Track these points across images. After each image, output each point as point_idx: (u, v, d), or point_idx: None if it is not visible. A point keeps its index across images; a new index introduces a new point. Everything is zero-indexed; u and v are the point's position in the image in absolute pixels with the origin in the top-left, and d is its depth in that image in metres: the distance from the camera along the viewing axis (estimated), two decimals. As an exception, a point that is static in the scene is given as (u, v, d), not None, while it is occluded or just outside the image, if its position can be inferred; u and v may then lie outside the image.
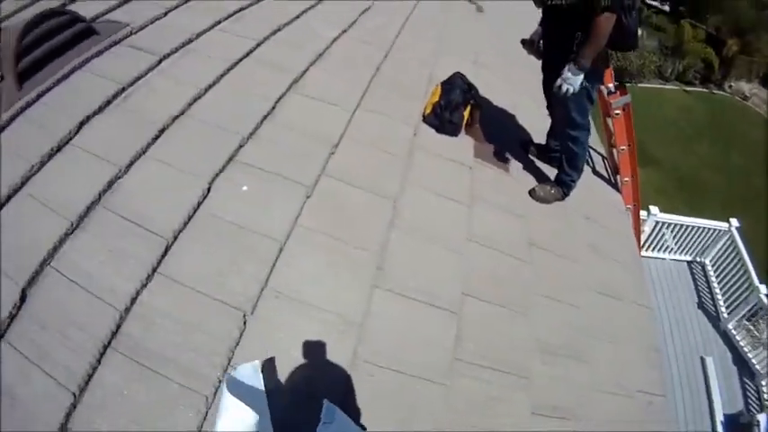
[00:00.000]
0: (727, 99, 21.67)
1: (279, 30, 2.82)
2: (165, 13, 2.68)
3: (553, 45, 2.47)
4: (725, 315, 6.73)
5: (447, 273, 1.93)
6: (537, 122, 3.12)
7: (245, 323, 1.55)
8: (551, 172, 2.77)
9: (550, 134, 2.89)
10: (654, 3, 26.98)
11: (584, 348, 2.02)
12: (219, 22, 2.73)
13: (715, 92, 21.93)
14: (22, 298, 1.47)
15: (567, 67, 2.23)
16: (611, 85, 2.91)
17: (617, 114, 2.96)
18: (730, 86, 22.24)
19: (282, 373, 1.47)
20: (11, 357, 1.35)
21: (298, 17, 3.02)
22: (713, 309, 6.91)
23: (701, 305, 7.02)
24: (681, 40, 20.96)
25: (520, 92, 3.48)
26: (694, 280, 7.36)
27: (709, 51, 20.98)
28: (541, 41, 2.57)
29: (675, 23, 22.39)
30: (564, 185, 2.64)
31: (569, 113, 2.45)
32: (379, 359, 1.60)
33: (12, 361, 1.34)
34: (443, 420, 1.54)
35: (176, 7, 2.75)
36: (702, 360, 6.19)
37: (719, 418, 5.61)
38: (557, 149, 2.74)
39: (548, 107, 2.82)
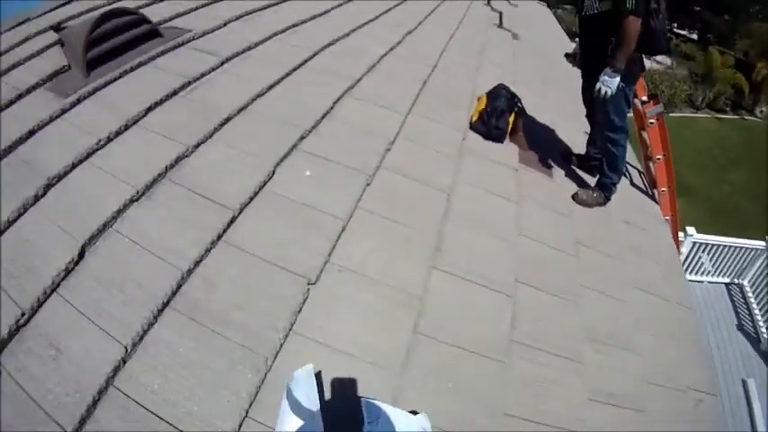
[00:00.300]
0: (759, 125, 21.21)
1: (331, 44, 3.02)
2: (225, 24, 2.88)
3: (589, 53, 2.63)
4: (765, 336, 6.51)
5: (500, 260, 1.96)
6: (575, 137, 3.25)
7: (308, 290, 1.56)
8: (592, 181, 2.85)
9: (590, 142, 2.98)
10: (682, 32, 27.57)
11: (632, 341, 2.02)
12: (276, 35, 2.92)
13: (746, 118, 21.56)
14: (81, 254, 1.50)
15: (603, 71, 2.36)
16: (644, 97, 3.04)
17: (651, 123, 3.05)
18: (761, 111, 21.90)
19: (344, 342, 1.47)
20: (62, 310, 1.36)
21: (348, 35, 3.24)
22: (753, 330, 6.69)
23: (740, 327, 6.78)
24: (710, 68, 20.88)
25: (556, 111, 3.63)
26: (733, 302, 7.15)
27: (738, 77, 20.82)
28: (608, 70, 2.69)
29: (704, 51, 22.33)
30: (605, 188, 2.70)
31: (609, 116, 2.56)
32: (439, 333, 1.60)
33: (62, 313, 1.35)
34: (501, 396, 1.52)
35: (235, 19, 2.96)
36: (744, 382, 5.93)
37: (763, 440, 5.36)
38: (596, 157, 2.83)
39: (587, 115, 2.93)
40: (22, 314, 1.32)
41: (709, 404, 2.01)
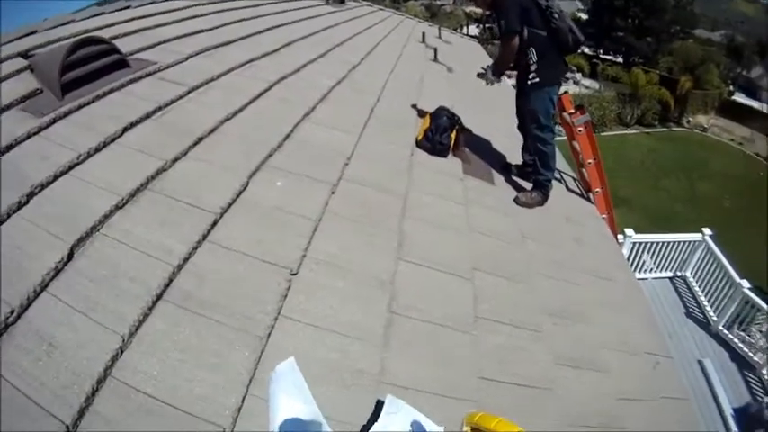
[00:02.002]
0: (687, 134, 22.99)
1: (285, 77, 3.27)
2: (187, 59, 3.06)
3: (517, 72, 3.06)
4: (714, 318, 6.93)
5: (457, 251, 2.21)
6: (510, 151, 3.62)
7: (290, 279, 1.71)
8: (529, 187, 3.19)
9: (524, 149, 3.34)
10: (608, 57, 30.00)
11: (585, 314, 2.29)
12: (234, 68, 3.14)
13: (674, 129, 23.29)
14: (70, 255, 1.55)
15: (487, 69, 3.04)
16: (571, 110, 3.48)
17: (580, 132, 3.47)
18: (689, 122, 23.77)
19: (329, 322, 1.62)
20: (53, 307, 1.39)
21: (299, 70, 3.52)
22: (702, 316, 7.15)
23: (689, 314, 7.22)
24: (636, 87, 22.46)
25: (492, 130, 4.01)
26: (678, 293, 7.60)
27: (663, 92, 22.58)
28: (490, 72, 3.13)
29: (629, 72, 24.12)
30: (542, 187, 3.06)
31: (536, 115, 2.96)
32: (411, 312, 1.80)
33: (54, 310, 1.38)
34: (475, 362, 1.72)
35: (196, 55, 3.16)
36: (701, 363, 6.29)
37: (729, 412, 5.63)
38: (530, 163, 3.18)
39: (518, 126, 3.32)
40: (12, 311, 1.32)
41: (667, 366, 2.29)
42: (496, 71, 3.01)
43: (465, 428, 1.26)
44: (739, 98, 27.32)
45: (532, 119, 3.02)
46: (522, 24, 2.78)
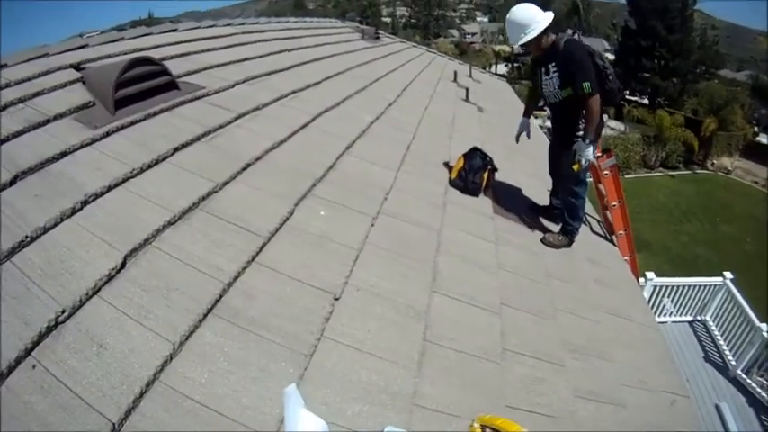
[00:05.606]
0: (711, 176, 22.51)
1: (327, 110, 3.43)
2: (233, 85, 3.21)
3: (560, 123, 3.01)
4: (732, 362, 6.81)
5: (486, 286, 2.31)
6: (537, 193, 3.73)
7: (333, 304, 1.80)
8: (556, 228, 3.27)
9: (553, 194, 3.40)
10: (633, 98, 29.61)
11: (605, 351, 2.35)
12: (280, 98, 3.30)
13: (698, 172, 22.79)
14: (123, 264, 1.62)
15: (578, 145, 2.75)
16: (598, 153, 3.55)
17: (606, 175, 3.58)
18: (713, 164, 23.28)
19: (368, 345, 1.70)
20: (105, 311, 1.45)
21: (339, 104, 3.68)
22: (720, 360, 7.05)
23: (707, 359, 7.12)
24: (661, 128, 22.09)
25: (520, 171, 4.15)
26: (697, 337, 7.52)
27: (688, 134, 22.06)
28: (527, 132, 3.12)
29: (654, 113, 23.68)
30: (569, 234, 3.12)
31: (576, 173, 2.91)
32: (444, 341, 1.88)
33: (106, 314, 1.44)
34: (501, 391, 1.79)
35: (242, 82, 3.32)
36: (717, 407, 6.19)
37: (745, 456, 5.40)
38: (559, 207, 3.23)
39: (550, 171, 3.33)
40: (63, 311, 1.37)
41: (684, 404, 2.33)
42: (591, 135, 2.69)
43: (475, 424, 1.36)
44: (763, 139, 27.24)
45: (571, 175, 2.98)
46: None
